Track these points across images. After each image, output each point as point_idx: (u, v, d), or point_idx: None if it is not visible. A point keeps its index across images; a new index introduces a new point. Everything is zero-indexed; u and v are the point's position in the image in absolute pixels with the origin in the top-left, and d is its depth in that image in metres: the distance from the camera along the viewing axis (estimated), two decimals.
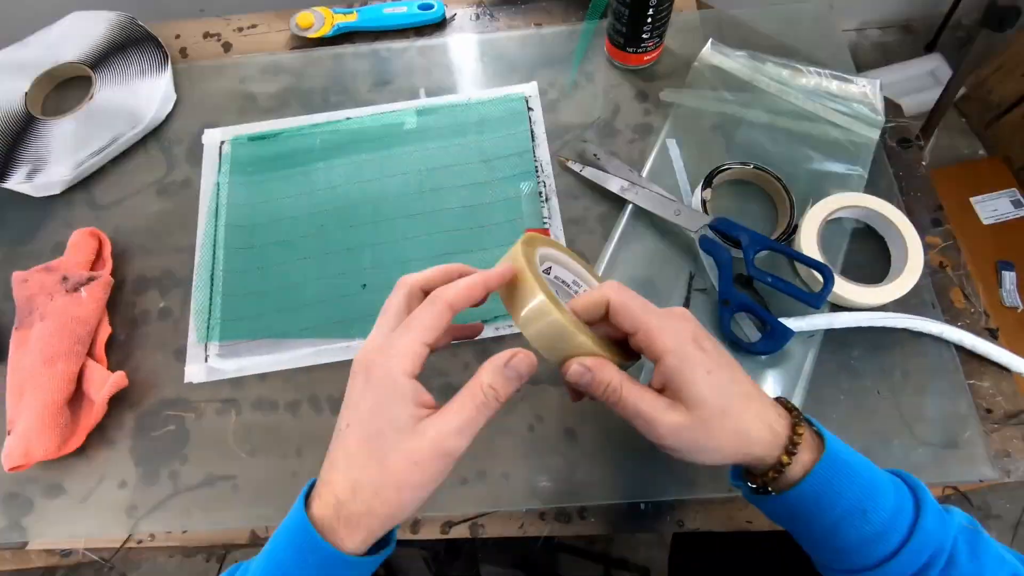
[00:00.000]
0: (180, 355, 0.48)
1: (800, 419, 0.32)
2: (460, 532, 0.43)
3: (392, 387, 0.29)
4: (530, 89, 0.56)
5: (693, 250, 0.48)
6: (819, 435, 0.32)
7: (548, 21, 0.61)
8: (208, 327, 0.49)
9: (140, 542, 0.44)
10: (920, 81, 1.25)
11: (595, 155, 0.51)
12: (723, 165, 0.49)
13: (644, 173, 0.51)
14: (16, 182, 0.54)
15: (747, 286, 0.46)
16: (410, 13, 0.60)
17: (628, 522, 0.43)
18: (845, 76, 0.53)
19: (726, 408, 0.30)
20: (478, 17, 0.61)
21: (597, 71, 0.57)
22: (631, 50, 0.54)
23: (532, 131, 0.54)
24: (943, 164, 1.21)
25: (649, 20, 0.50)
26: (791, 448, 0.30)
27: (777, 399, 0.34)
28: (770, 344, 0.43)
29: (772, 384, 0.44)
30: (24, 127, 0.56)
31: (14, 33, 0.61)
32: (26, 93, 0.58)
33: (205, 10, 0.95)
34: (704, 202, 0.48)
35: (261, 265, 0.50)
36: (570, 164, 0.52)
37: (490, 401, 0.30)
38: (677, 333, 0.31)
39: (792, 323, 0.43)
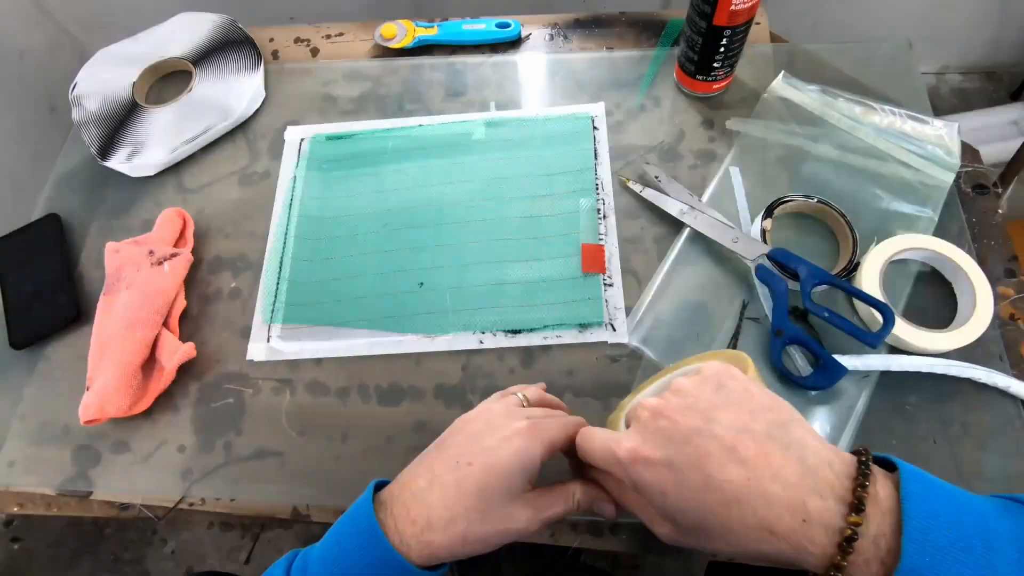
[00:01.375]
0: (245, 333, 0.52)
1: (854, 533, 0.23)
2: None
3: (528, 463, 0.31)
4: (597, 109, 0.57)
5: (748, 279, 0.48)
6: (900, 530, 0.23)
7: (620, 45, 0.62)
8: (272, 310, 0.52)
9: (191, 505, 0.47)
10: (1002, 130, 1.20)
11: (656, 177, 0.52)
12: (785, 197, 0.49)
13: (704, 199, 0.52)
14: (117, 162, 0.59)
15: (802, 319, 0.46)
16: (488, 31, 0.63)
17: (661, 543, 0.43)
18: (921, 117, 0.52)
19: (701, 524, 0.26)
20: (552, 38, 0.64)
21: (664, 96, 0.58)
22: (701, 78, 0.54)
23: (596, 150, 0.55)
24: None
25: (722, 50, 0.51)
26: (833, 572, 0.23)
27: (871, 459, 0.26)
28: (822, 380, 0.43)
29: (821, 421, 0.43)
30: (129, 113, 0.62)
31: (128, 29, 0.67)
32: (133, 83, 0.63)
33: (295, 18, 1.01)
34: (764, 232, 0.48)
35: (327, 256, 0.53)
36: (630, 184, 0.53)
37: (572, 511, 0.33)
38: (616, 471, 0.29)
39: (846, 360, 0.42)
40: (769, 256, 0.46)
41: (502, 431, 0.32)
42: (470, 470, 0.31)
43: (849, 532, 0.23)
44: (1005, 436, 0.42)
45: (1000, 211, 0.50)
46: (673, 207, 0.51)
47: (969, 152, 0.52)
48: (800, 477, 0.25)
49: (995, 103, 1.24)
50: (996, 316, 0.44)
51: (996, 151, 1.13)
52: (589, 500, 0.33)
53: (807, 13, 0.70)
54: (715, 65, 0.53)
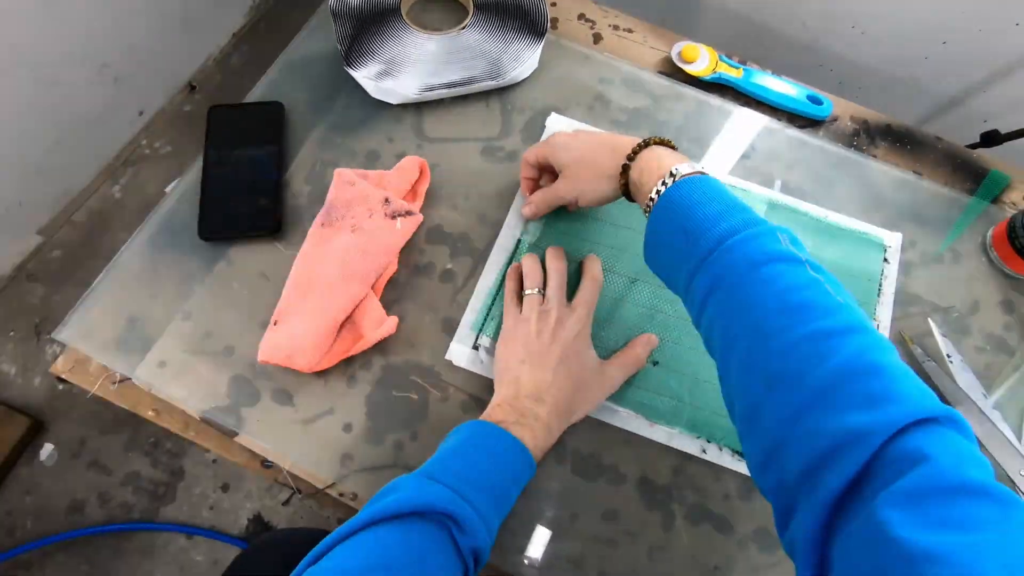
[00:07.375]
0: (448, 327, 0.46)
1: (640, 149, 0.40)
2: None
3: (588, 352, 0.43)
4: (893, 239, 0.51)
5: None
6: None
7: (930, 175, 0.55)
8: (487, 318, 0.46)
9: (341, 495, 0.42)
10: None
11: (948, 356, 0.46)
12: None
13: (991, 402, 0.45)
14: (363, 75, 0.52)
15: None
16: (797, 99, 0.55)
17: None
18: None
19: (579, 159, 0.43)
20: (858, 134, 0.56)
21: (967, 254, 0.51)
22: None
23: (880, 286, 0.49)
24: None
25: None
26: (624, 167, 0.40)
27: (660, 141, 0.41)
28: None
29: None
30: (388, 25, 0.55)
31: None
32: None
33: None
34: None
35: None
36: (912, 347, 0.46)
37: (641, 364, 0.45)
38: (554, 144, 0.45)
39: None
40: None
41: (558, 348, 0.42)
42: (560, 367, 0.42)
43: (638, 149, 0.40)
44: None
45: None
46: (954, 395, 0.44)
47: None
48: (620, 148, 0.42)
49: None
50: None
51: None
52: (646, 351, 0.45)
53: None
54: None
